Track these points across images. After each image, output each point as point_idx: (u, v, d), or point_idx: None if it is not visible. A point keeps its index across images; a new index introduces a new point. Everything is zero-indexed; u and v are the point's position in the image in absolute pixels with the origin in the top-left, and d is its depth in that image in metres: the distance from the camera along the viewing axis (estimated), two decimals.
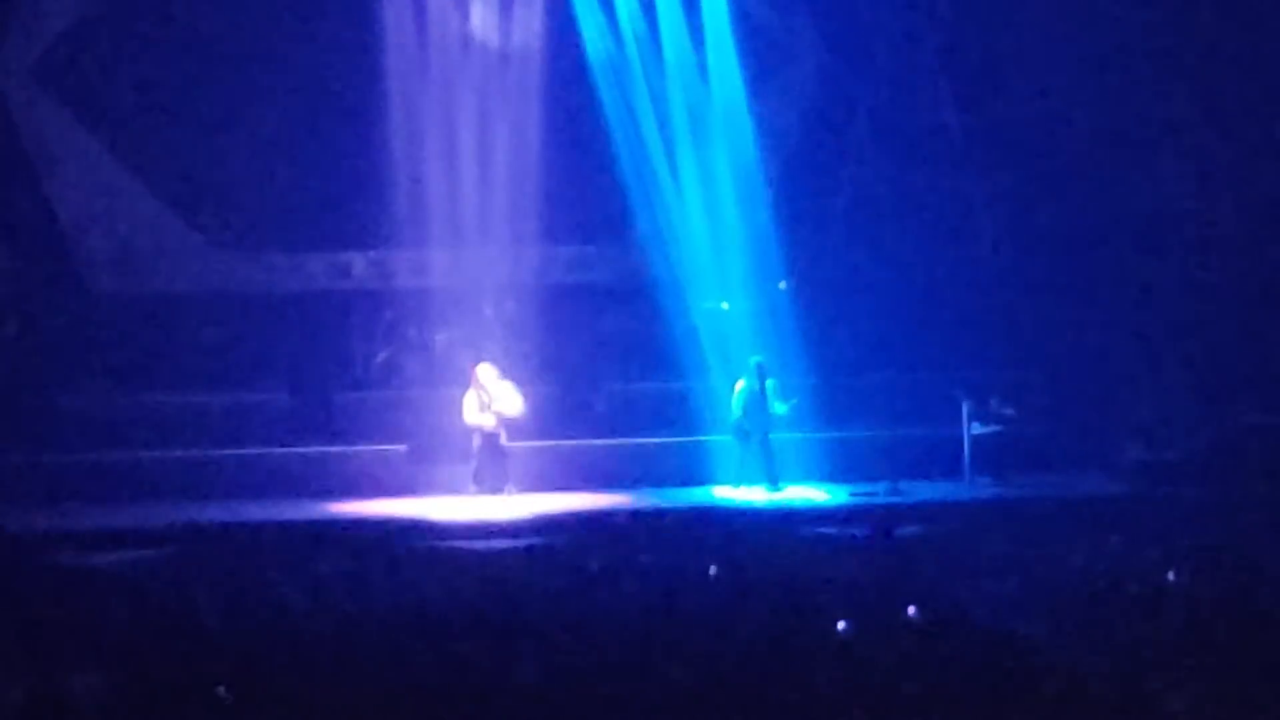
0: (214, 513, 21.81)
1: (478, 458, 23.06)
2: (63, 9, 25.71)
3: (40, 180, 25.77)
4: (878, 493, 22.83)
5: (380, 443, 24.29)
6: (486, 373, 23.29)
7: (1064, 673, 10.91)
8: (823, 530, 20.35)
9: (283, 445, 24.18)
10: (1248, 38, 25.21)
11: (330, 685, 11.06)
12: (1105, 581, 14.18)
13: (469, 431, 23.14)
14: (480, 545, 19.71)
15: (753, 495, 23.21)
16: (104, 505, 22.33)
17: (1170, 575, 14.27)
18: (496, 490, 22.89)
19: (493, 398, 23.10)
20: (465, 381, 23.45)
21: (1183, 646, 11.54)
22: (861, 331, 25.58)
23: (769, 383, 23.62)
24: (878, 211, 26.59)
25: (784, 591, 13.96)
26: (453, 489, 23.23)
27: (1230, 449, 22.87)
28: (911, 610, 12.67)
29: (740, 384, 23.65)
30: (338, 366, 26.13)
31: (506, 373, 23.48)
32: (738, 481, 23.46)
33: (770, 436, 23.55)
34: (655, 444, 24.56)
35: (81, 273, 25.97)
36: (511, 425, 23.20)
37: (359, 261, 26.66)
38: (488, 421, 23.07)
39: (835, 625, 12.18)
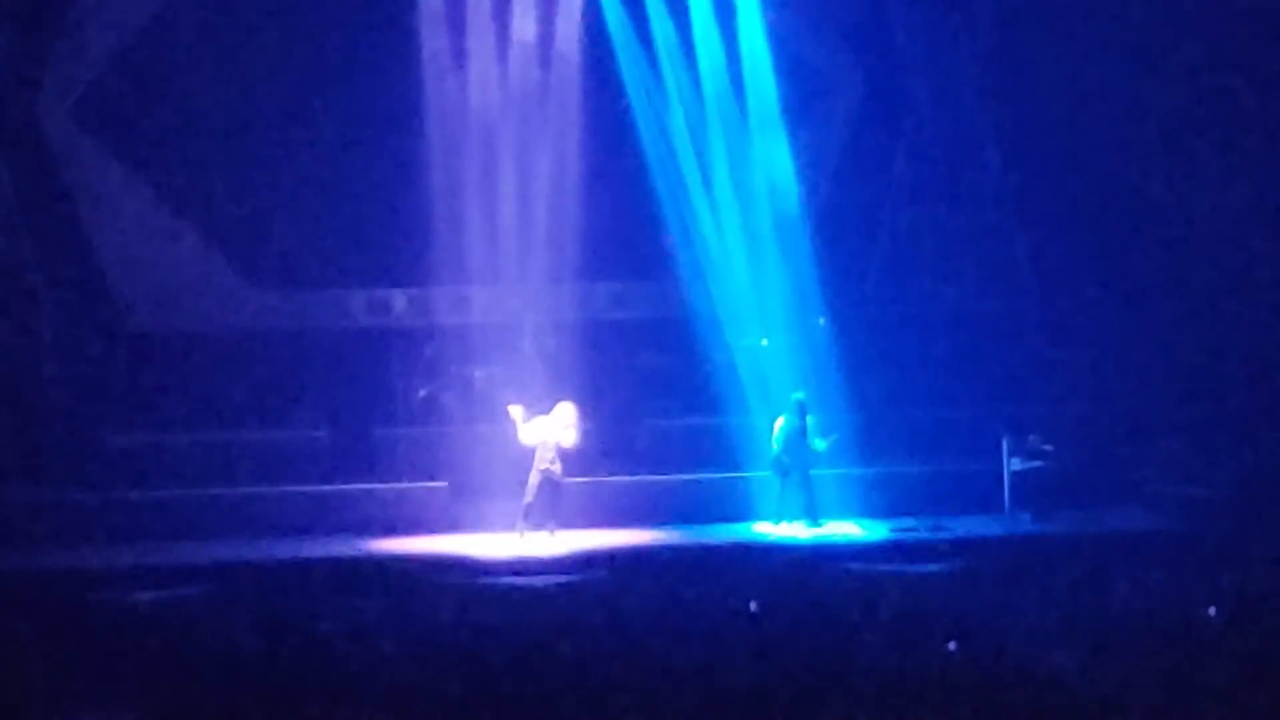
0: (255, 550, 21.91)
1: (534, 494, 22.91)
2: (101, 49, 25.85)
3: (80, 220, 25.89)
4: (918, 528, 22.81)
5: (421, 479, 24.30)
6: (565, 412, 23.07)
7: (1103, 708, 10.91)
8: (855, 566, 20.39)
9: (323, 482, 24.20)
10: None
11: None
12: (1145, 617, 14.16)
13: (528, 467, 22.88)
14: (521, 582, 19.71)
15: (793, 531, 23.18)
16: (146, 543, 22.38)
17: (1211, 611, 14.24)
18: (539, 528, 22.79)
19: (562, 437, 22.88)
20: (504, 417, 23.45)
21: (1223, 682, 11.51)
22: (901, 367, 25.57)
23: (809, 419, 23.60)
24: (917, 247, 26.61)
25: (824, 627, 13.97)
26: (494, 525, 23.17)
27: (1271, 484, 22.74)
28: (951, 645, 12.66)
29: (780, 420, 23.62)
30: (378, 403, 26.16)
31: (546, 409, 23.30)
32: (778, 518, 23.42)
33: (810, 473, 23.52)
34: (695, 480, 24.51)
35: (122, 312, 26.07)
36: (565, 456, 23.00)
37: (399, 299, 26.75)
38: (552, 462, 22.81)
39: (875, 661, 12.19)
